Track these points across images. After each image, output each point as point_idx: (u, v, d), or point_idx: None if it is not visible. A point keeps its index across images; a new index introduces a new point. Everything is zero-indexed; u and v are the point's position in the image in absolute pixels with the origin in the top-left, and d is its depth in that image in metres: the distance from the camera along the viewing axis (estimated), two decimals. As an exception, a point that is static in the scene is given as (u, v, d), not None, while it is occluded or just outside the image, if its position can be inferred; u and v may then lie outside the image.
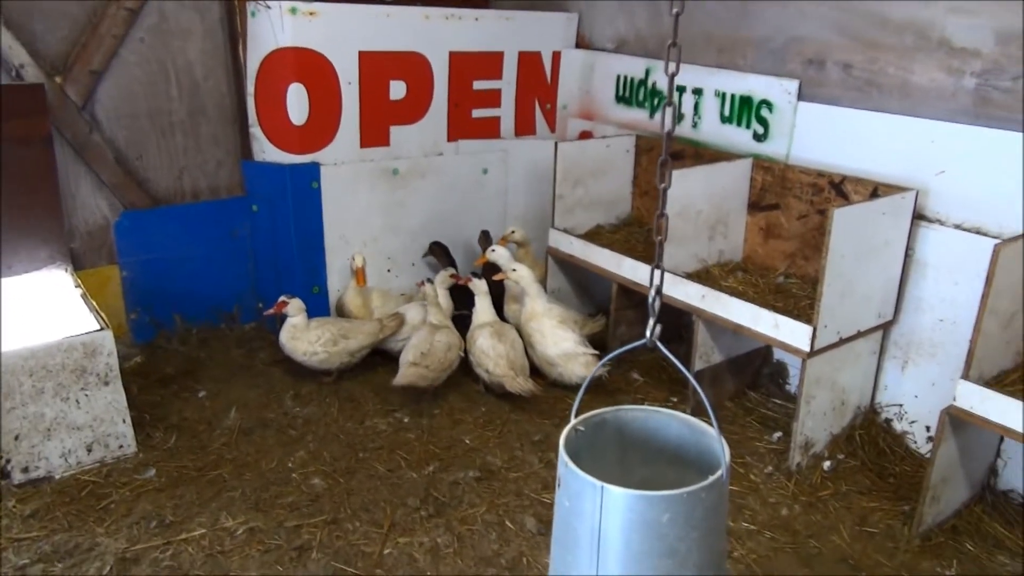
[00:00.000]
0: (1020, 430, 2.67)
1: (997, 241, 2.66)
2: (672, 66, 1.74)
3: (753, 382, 4.11)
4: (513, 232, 4.67)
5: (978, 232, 3.20)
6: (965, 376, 2.78)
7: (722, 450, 1.65)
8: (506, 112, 4.95)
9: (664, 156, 1.77)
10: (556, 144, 4.22)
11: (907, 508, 3.17)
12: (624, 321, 4.26)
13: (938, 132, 3.28)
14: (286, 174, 4.26)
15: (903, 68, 3.45)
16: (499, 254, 4.35)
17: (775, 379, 4.13)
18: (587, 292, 4.75)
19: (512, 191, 5.08)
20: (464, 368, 4.06)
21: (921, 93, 3.40)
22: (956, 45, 3.24)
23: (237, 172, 4.52)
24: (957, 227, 3.27)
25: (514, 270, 4.14)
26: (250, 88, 4.19)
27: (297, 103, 4.14)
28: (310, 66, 4.12)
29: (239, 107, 4.36)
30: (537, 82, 5.01)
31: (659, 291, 1.80)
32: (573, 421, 1.78)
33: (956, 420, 2.85)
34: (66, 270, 3.92)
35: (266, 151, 4.29)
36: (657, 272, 1.81)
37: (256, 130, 4.27)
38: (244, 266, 4.63)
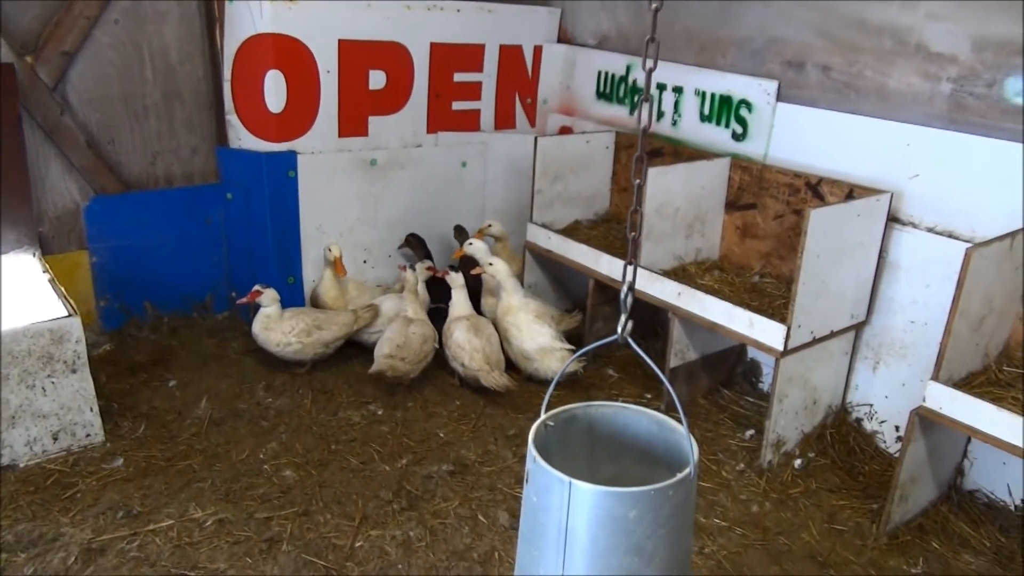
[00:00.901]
0: (987, 431, 2.71)
1: (969, 245, 2.69)
2: (650, 62, 1.73)
3: (727, 380, 4.13)
4: (491, 226, 4.65)
5: (950, 236, 3.24)
6: (935, 377, 2.82)
7: (690, 448, 1.65)
8: (486, 105, 4.92)
9: (639, 152, 1.76)
10: (536, 139, 4.21)
11: (875, 506, 3.21)
12: (600, 317, 4.27)
13: (914, 136, 3.31)
14: (262, 162, 4.20)
15: (881, 72, 3.47)
16: (476, 247, 4.33)
17: (749, 377, 4.16)
18: (564, 287, 4.75)
19: (491, 185, 5.06)
20: (439, 361, 4.04)
21: (898, 97, 3.43)
22: (933, 50, 3.27)
23: (212, 159, 4.46)
24: (930, 230, 3.31)
25: (491, 264, 4.13)
26: (227, 74, 4.13)
27: (275, 90, 4.09)
28: (289, 53, 4.06)
29: (215, 93, 4.30)
30: (518, 76, 4.99)
31: (631, 287, 1.79)
32: (543, 416, 1.78)
33: (925, 420, 2.89)
34: (34, 255, 3.84)
35: (242, 138, 4.23)
36: (630, 269, 1.81)
37: (232, 117, 4.21)
38: (217, 254, 4.57)
